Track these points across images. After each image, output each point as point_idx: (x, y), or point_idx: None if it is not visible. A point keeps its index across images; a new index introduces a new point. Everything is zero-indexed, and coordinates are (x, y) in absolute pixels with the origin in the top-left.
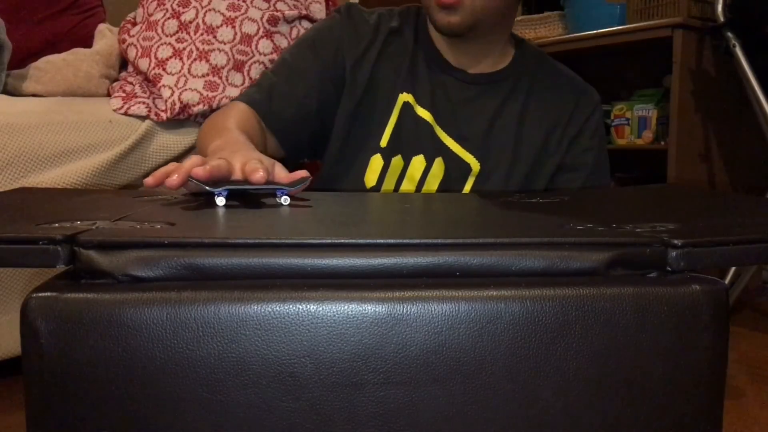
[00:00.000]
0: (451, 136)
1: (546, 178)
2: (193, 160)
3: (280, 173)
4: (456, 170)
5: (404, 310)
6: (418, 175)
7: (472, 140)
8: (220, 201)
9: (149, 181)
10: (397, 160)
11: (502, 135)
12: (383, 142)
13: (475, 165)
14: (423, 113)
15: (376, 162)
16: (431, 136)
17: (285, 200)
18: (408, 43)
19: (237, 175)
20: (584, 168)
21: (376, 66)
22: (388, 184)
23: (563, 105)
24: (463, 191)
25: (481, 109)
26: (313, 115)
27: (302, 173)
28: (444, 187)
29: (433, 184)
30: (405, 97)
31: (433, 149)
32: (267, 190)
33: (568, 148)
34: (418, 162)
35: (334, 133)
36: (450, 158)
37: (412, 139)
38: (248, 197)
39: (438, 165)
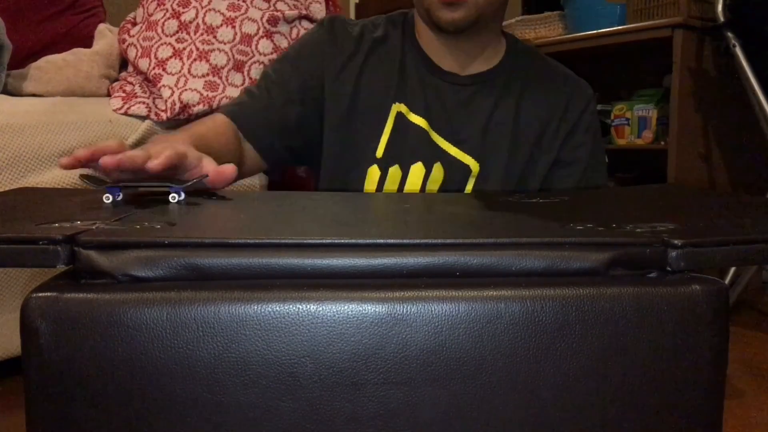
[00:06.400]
0: (447, 140)
1: (542, 173)
2: (109, 142)
3: (208, 166)
4: (456, 173)
5: (404, 310)
6: (419, 182)
7: (469, 142)
8: (107, 199)
9: (64, 161)
10: (394, 170)
11: (498, 133)
12: (379, 152)
13: (474, 166)
14: (417, 120)
15: (374, 172)
16: (427, 142)
17: (173, 198)
18: (396, 51)
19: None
20: (579, 163)
21: (360, 77)
22: None
23: (557, 100)
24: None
25: (475, 110)
26: (293, 126)
27: (228, 168)
28: (444, 190)
29: (433, 188)
30: (398, 107)
31: (431, 155)
32: (160, 186)
33: (563, 143)
34: (417, 170)
35: (325, 146)
36: (448, 162)
37: (409, 148)
38: (142, 195)
39: (437, 170)
